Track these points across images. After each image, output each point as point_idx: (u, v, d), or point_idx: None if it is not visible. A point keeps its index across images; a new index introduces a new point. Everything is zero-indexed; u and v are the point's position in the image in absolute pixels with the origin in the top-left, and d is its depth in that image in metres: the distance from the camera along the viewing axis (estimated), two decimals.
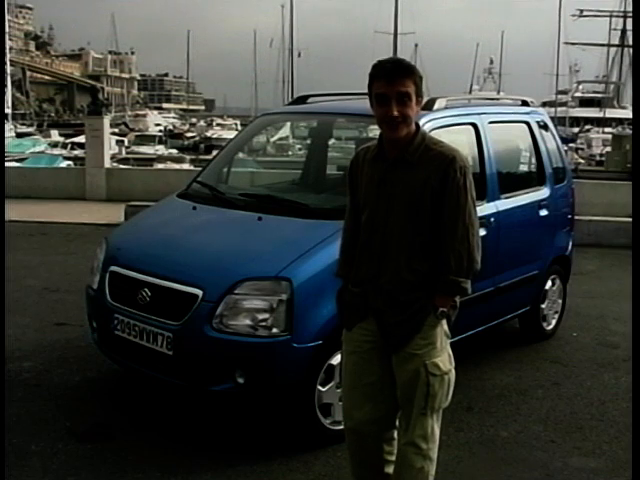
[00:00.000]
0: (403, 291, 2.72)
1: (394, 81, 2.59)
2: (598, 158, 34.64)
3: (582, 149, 39.01)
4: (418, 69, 2.69)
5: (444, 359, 2.78)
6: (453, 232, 2.66)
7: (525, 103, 5.72)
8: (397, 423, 2.91)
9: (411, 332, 2.72)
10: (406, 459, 2.82)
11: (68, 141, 33.93)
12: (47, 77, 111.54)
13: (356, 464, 3.01)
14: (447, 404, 2.85)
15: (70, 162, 22.24)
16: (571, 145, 35.24)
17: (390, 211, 2.72)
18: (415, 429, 2.79)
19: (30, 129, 50.10)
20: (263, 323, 3.60)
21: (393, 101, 2.60)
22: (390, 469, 2.95)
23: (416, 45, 69.16)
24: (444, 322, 2.79)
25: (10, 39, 71.76)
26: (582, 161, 32.74)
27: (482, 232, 4.48)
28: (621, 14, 62.51)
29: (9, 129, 37.65)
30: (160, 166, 22.92)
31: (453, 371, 2.82)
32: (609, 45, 66.96)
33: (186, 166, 23.77)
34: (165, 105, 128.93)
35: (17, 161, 21.64)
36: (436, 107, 4.49)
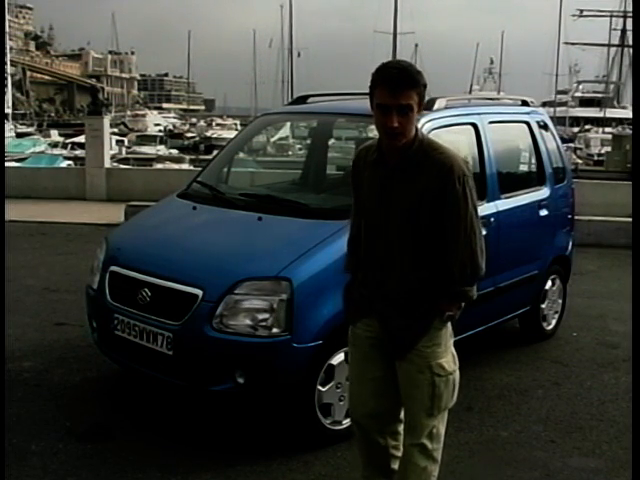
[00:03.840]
0: (408, 298, 2.72)
1: (398, 93, 2.52)
2: (596, 158, 34.59)
3: (580, 149, 38.93)
4: (423, 75, 2.60)
5: (449, 360, 2.79)
6: (455, 242, 2.66)
7: (525, 103, 5.71)
8: (402, 416, 2.92)
9: (416, 337, 2.72)
10: (411, 457, 2.82)
11: (68, 141, 33.91)
12: (47, 77, 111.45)
13: (363, 457, 3.03)
14: (453, 404, 2.85)
15: (70, 162, 22.24)
16: (569, 145, 35.16)
17: (390, 218, 2.71)
18: (422, 430, 2.79)
19: (30, 129, 50.05)
20: (263, 323, 3.60)
21: (394, 112, 2.54)
22: (396, 465, 2.97)
23: (416, 45, 69.27)
24: (449, 323, 2.79)
25: (10, 39, 71.80)
26: (580, 161, 32.62)
27: (482, 232, 4.51)
28: (621, 14, 62.55)
29: (9, 129, 37.61)
30: (160, 166, 22.92)
31: (457, 371, 2.83)
32: (609, 45, 67.01)
33: (185, 166, 23.80)
34: (165, 105, 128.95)
35: (17, 161, 21.63)
36: (436, 107, 4.49)
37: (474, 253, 2.66)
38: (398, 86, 2.53)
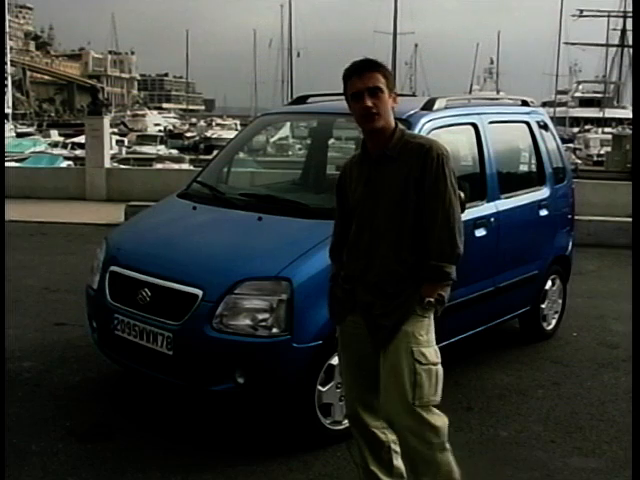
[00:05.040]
0: (391, 283, 2.78)
1: (364, 75, 2.74)
2: (596, 158, 34.54)
3: (579, 149, 38.87)
4: (387, 66, 2.84)
5: (430, 351, 2.81)
6: (434, 219, 2.73)
7: (525, 103, 5.71)
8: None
9: (397, 324, 2.77)
10: (425, 456, 2.78)
11: (68, 141, 33.89)
12: (47, 77, 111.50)
13: (365, 455, 3.02)
14: (437, 401, 2.82)
15: (70, 162, 22.23)
16: (569, 145, 35.10)
17: (377, 207, 2.80)
18: (406, 425, 2.77)
19: (30, 129, 50.00)
20: (263, 323, 3.60)
21: (366, 94, 2.73)
22: (398, 461, 2.98)
23: (416, 45, 69.44)
24: (431, 317, 2.82)
25: (10, 39, 71.77)
26: (579, 161, 32.55)
27: (482, 232, 4.53)
28: (621, 14, 62.61)
29: (9, 129, 37.57)
30: (160, 166, 22.93)
31: (440, 366, 2.83)
32: (609, 45, 67.06)
33: (185, 166, 23.79)
34: (165, 105, 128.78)
35: (17, 161, 21.60)
36: (436, 107, 4.49)
37: (452, 229, 2.74)
38: (362, 71, 2.76)
